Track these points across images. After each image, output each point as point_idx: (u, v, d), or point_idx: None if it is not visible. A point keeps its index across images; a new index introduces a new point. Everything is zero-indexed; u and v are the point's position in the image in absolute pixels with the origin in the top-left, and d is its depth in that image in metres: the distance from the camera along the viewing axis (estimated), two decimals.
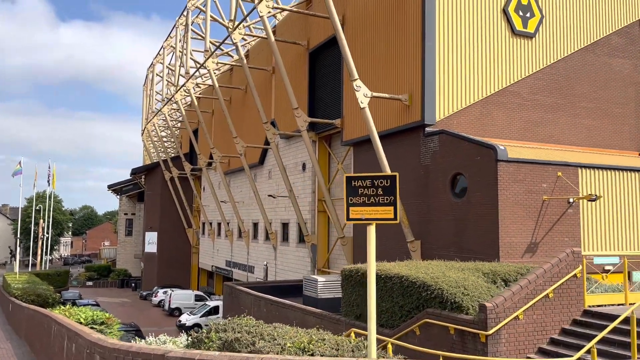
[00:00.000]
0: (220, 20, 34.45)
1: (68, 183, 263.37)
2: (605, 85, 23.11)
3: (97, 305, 34.86)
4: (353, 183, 6.33)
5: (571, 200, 16.97)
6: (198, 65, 39.08)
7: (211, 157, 43.94)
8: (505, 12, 20.84)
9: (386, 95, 19.45)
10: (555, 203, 16.82)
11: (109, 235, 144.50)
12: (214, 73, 32.41)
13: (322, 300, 17.57)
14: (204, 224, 50.69)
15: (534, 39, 21.38)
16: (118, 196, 75.68)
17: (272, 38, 23.45)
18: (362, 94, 18.78)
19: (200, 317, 32.53)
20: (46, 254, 70.32)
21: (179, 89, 39.82)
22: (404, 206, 19.27)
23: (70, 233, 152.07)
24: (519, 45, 21.10)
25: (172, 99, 42.29)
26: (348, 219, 6.44)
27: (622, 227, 17.92)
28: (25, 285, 30.45)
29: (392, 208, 6.09)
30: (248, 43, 37.45)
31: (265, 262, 26.31)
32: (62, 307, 15.28)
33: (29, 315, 16.65)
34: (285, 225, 32.10)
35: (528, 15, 21.23)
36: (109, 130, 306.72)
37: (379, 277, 12.30)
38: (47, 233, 63.07)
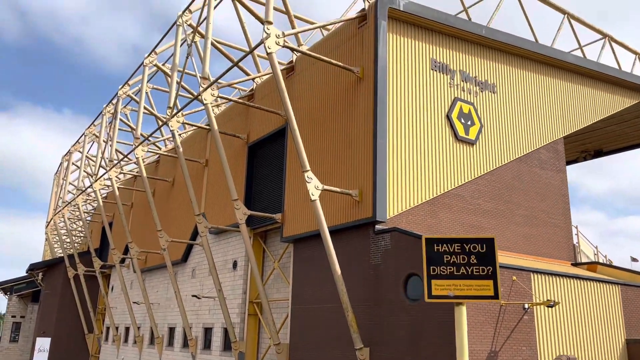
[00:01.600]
0: (152, 111, 33.35)
1: None
2: (538, 196, 24.06)
3: None
4: (436, 247, 5.09)
5: (526, 306, 16.42)
6: (122, 155, 37.03)
7: (125, 253, 40.42)
8: (448, 118, 21.55)
9: (337, 189, 18.71)
10: (511, 309, 16.16)
11: None
12: (142, 161, 30.51)
13: None
14: (108, 328, 45.20)
15: (474, 145, 22.10)
16: (7, 295, 66.94)
17: (215, 126, 22.51)
18: (313, 186, 17.92)
19: None
20: None
21: (99, 178, 37.09)
22: (352, 309, 17.79)
23: None
24: (462, 150, 21.66)
25: (90, 188, 39.23)
26: (430, 296, 5.09)
27: (575, 333, 17.49)
28: None
29: (491, 282, 4.87)
30: (179, 135, 36.26)
31: None
32: None
33: None
34: (207, 331, 28.97)
35: (469, 123, 22.11)
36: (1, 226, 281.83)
37: None
38: None
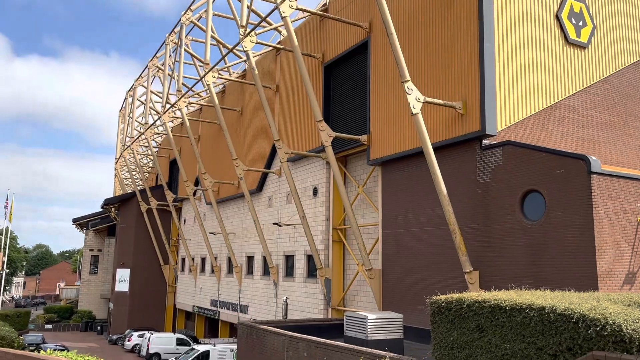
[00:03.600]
0: (217, 38, 31.88)
1: (18, 222, 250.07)
2: None
3: (67, 349, 30.15)
4: None
5: None
6: (192, 84, 36.15)
7: (196, 185, 40.52)
8: (558, 18, 18.95)
9: (440, 101, 16.93)
10: None
11: (65, 276, 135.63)
12: (214, 87, 29.45)
13: (372, 343, 14.37)
14: (183, 259, 46.47)
15: (587, 49, 19.52)
16: (84, 230, 70.27)
17: (295, 40, 20.85)
18: (414, 97, 16.22)
19: None
20: (1, 294, 63.86)
21: (167, 110, 36.59)
22: (460, 231, 16.47)
23: (23, 273, 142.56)
24: (573, 55, 19.17)
25: (159, 120, 38.95)
26: None
27: None
28: None
29: None
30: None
31: (285, 298, 22.85)
32: (48, 352, 11.66)
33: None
34: (288, 259, 28.72)
35: (581, 24, 19.42)
36: (61, 169, 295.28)
37: (498, 309, 9.33)
38: (3, 270, 57.29)
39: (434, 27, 18.69)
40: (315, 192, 26.40)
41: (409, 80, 16.19)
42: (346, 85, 24.62)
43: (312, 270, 26.45)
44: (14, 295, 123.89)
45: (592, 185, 13.52)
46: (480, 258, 16.49)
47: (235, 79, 32.83)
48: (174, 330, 46.37)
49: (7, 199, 65.79)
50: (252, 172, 31.76)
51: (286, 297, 23.02)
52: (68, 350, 30.30)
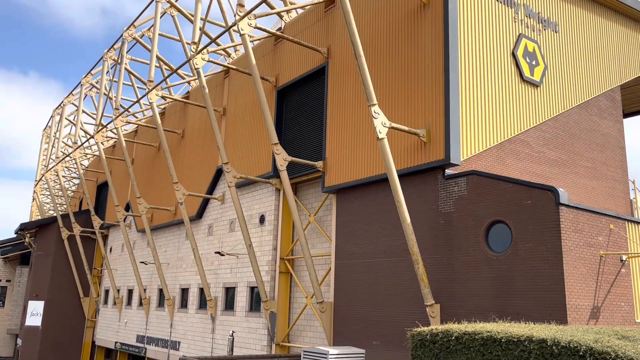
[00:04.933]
0: (158, 61, 30.43)
1: None
2: (598, 146, 22.32)
3: None
4: None
5: (624, 258, 14.71)
6: (128, 104, 34.15)
7: (127, 210, 37.95)
8: (514, 55, 19.43)
9: (405, 127, 16.55)
10: (610, 260, 14.44)
11: None
12: (155, 108, 27.79)
13: None
14: (107, 291, 42.94)
15: (539, 88, 20.10)
16: None
17: (254, 60, 19.99)
18: (381, 122, 15.73)
19: None
20: None
21: (102, 129, 34.22)
22: (423, 262, 15.88)
23: None
24: (528, 92, 19.65)
25: (91, 140, 36.32)
26: None
27: None
28: None
29: None
30: (194, 80, 33.49)
31: (231, 332, 21.05)
32: None
33: None
34: (229, 291, 26.97)
35: (534, 62, 20.03)
36: None
37: (492, 342, 8.60)
38: None
39: (398, 54, 18.53)
40: (262, 220, 25.15)
41: (375, 104, 15.71)
42: (300, 110, 23.95)
43: (255, 303, 24.91)
44: None
45: (560, 217, 13.41)
46: (442, 290, 15.93)
47: (181, 99, 31.30)
48: None
49: None
50: (191, 199, 30.03)
51: (232, 332, 21.35)
52: None
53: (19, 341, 46.60)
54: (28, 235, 51.09)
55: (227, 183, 23.04)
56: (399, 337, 16.93)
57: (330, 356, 13.23)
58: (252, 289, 25.23)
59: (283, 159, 20.09)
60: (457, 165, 16.34)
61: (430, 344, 9.60)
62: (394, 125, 16.15)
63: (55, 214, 47.63)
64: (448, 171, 16.57)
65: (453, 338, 9.21)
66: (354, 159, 19.70)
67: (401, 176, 17.38)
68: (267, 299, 22.85)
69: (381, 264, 18.14)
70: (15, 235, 53.92)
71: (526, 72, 19.67)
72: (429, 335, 9.61)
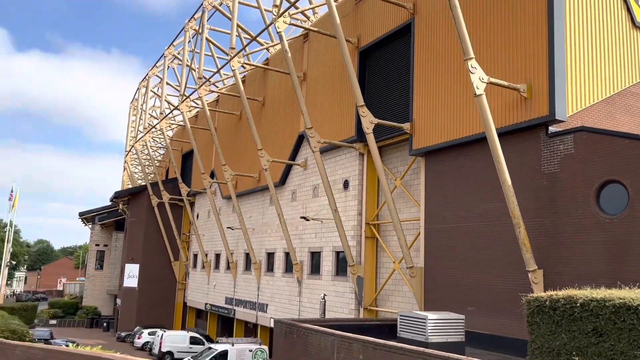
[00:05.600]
0: (238, 28, 30.44)
1: (18, 217, 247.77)
2: None
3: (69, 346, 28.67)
4: None
5: None
6: (209, 74, 34.75)
7: (211, 178, 39.10)
8: (625, 0, 17.50)
9: (504, 82, 15.48)
10: None
11: (66, 272, 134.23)
12: (235, 76, 27.99)
13: (432, 345, 12.89)
14: (196, 255, 45.02)
15: None
16: (89, 225, 68.89)
17: (337, 19, 19.40)
18: (478, 77, 14.76)
19: None
20: (4, 287, 62.48)
21: (186, 99, 35.17)
22: (524, 225, 15.00)
23: (25, 268, 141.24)
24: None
25: (175, 111, 37.52)
26: None
27: None
28: None
29: None
30: (273, 47, 33.43)
31: (322, 295, 21.38)
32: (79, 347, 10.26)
33: (33, 357, 11.30)
34: (314, 255, 27.25)
35: None
36: (61, 165, 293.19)
37: (626, 310, 7.85)
38: (10, 262, 55.92)
39: (495, 3, 17.23)
40: (346, 185, 24.93)
41: (472, 58, 14.74)
42: (384, 70, 23.18)
43: (341, 267, 24.99)
44: (15, 290, 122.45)
45: None
46: (546, 255, 15.01)
47: (262, 65, 31.36)
48: (183, 328, 44.85)
49: (11, 191, 64.39)
50: (273, 166, 30.30)
51: (324, 295, 21.56)
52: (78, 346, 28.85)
53: (118, 301, 50.23)
54: (121, 203, 54.40)
55: (311, 148, 22.93)
56: (496, 303, 16.28)
57: (430, 321, 12.89)
58: (337, 253, 25.29)
59: (369, 121, 19.58)
60: (563, 121, 15.12)
61: (549, 311, 8.96)
62: (492, 80, 15.12)
63: (145, 183, 50.22)
64: (552, 128, 15.37)
65: (578, 305, 8.51)
66: (445, 119, 18.82)
67: (500, 135, 16.36)
68: (354, 264, 22.80)
69: (477, 228, 17.39)
70: (110, 203, 57.61)
71: (638, 18, 17.71)
72: (548, 302, 8.97)
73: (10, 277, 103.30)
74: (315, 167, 28.10)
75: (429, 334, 12.88)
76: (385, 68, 23.12)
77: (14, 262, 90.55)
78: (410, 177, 22.06)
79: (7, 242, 58.34)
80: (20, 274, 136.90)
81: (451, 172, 18.76)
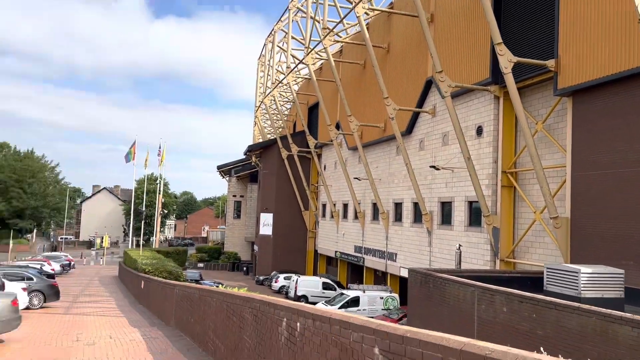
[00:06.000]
0: None
1: (165, 172, 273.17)
2: None
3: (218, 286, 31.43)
4: None
5: None
6: (332, 25, 34.40)
7: (338, 129, 39.40)
8: None
9: None
10: None
11: (208, 220, 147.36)
12: (356, 25, 27.32)
13: (585, 301, 11.86)
14: (324, 205, 46.41)
15: None
16: (226, 178, 74.03)
17: None
18: None
19: (339, 308, 27.88)
20: (155, 235, 70.17)
21: (311, 51, 35.38)
22: None
23: (174, 216, 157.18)
24: None
25: (302, 63, 38.02)
26: None
27: None
28: (152, 261, 27.52)
29: None
30: None
31: (458, 245, 20.99)
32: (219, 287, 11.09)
33: (190, 295, 12.46)
34: (444, 205, 26.52)
35: None
36: (197, 123, 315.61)
37: None
38: (162, 212, 62.31)
39: None
40: (479, 131, 23.57)
41: None
42: (523, 3, 21.05)
43: (474, 218, 24.05)
44: (167, 236, 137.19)
45: None
46: None
47: (388, 9, 30.30)
48: (315, 274, 47.05)
49: (159, 148, 70.95)
50: (399, 115, 29.55)
51: (459, 245, 21.01)
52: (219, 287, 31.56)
53: (256, 247, 53.94)
54: (254, 156, 57.41)
55: (441, 94, 21.87)
56: None
57: (583, 275, 11.84)
58: (470, 203, 24.32)
59: (508, 60, 18.04)
60: None
61: None
62: None
63: (274, 137, 52.31)
64: None
65: None
66: (599, 52, 16.69)
67: None
68: (489, 214, 21.77)
69: (639, 174, 15.47)
70: (244, 157, 61.15)
71: None
72: None
73: (162, 224, 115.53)
74: (444, 113, 26.93)
75: (582, 289, 11.88)
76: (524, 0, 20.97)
77: (165, 211, 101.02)
78: (553, 120, 20.17)
79: (159, 193, 64.83)
80: (170, 222, 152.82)
81: (606, 112, 16.75)
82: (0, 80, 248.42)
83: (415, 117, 29.46)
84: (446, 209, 26.38)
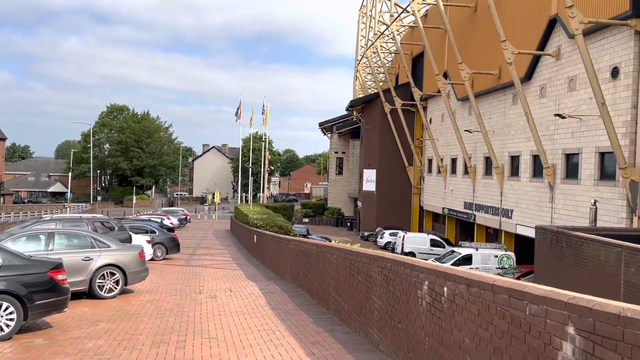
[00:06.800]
0: None
1: (268, 130, 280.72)
2: None
3: (330, 241, 31.63)
4: None
5: None
6: None
7: (445, 79, 37.19)
8: None
9: None
10: None
11: (310, 177, 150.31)
12: None
13: None
14: (430, 160, 44.78)
15: None
16: (328, 134, 74.18)
17: None
18: None
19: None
20: (263, 191, 72.61)
21: None
22: None
23: (278, 173, 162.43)
24: None
25: (406, 11, 36.05)
26: None
27: None
28: (262, 216, 28.20)
29: None
30: None
31: (593, 201, 19.12)
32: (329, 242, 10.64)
33: (307, 251, 12.27)
34: (570, 157, 24.12)
35: None
36: (296, 81, 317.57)
37: None
38: (268, 169, 64.17)
39: None
40: (614, 73, 20.78)
41: None
42: None
43: (605, 171, 21.62)
44: (272, 192, 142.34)
45: None
46: None
47: None
48: (420, 231, 46.03)
49: (263, 106, 72.48)
50: (517, 60, 26.95)
51: (594, 200, 19.03)
52: (331, 242, 31.73)
53: (359, 203, 53.85)
54: (356, 111, 56.61)
55: (571, 32, 19.40)
56: None
57: None
58: (601, 154, 21.83)
59: None
60: None
61: None
62: None
63: (376, 91, 50.94)
64: None
65: None
66: None
67: None
68: (627, 166, 19.35)
69: None
70: (345, 113, 60.58)
71: None
72: None
73: (268, 181, 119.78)
74: (569, 56, 24.17)
75: None
76: None
77: (271, 168, 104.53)
78: None
79: (265, 151, 66.61)
80: (274, 179, 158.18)
81: None
82: (117, 48, 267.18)
83: (535, 61, 26.78)
84: (572, 161, 23.99)
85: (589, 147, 22.43)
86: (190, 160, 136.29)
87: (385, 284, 6.78)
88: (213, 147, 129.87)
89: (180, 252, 24.48)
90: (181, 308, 10.77)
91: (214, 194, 74.99)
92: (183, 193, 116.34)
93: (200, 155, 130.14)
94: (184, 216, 52.66)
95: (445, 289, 5.11)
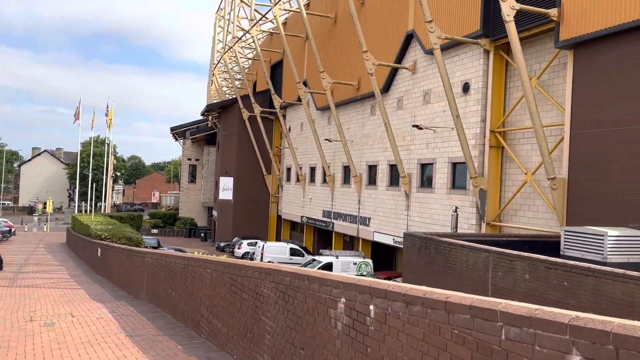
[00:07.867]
0: None
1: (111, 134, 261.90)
2: None
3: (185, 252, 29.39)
4: None
5: None
6: None
7: (305, 86, 37.33)
8: None
9: None
10: None
11: (158, 185, 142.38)
12: None
13: (612, 266, 10.84)
14: (289, 169, 44.57)
15: None
16: (180, 140, 70.68)
17: None
18: None
19: None
20: (107, 200, 66.49)
21: (277, 2, 32.83)
22: None
23: (122, 181, 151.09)
24: None
25: (265, 17, 35.41)
26: None
27: None
28: (107, 227, 25.11)
29: None
30: None
31: (454, 207, 19.80)
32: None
33: (169, 265, 10.55)
34: (425, 167, 25.32)
35: None
36: (142, 85, 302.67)
37: None
38: (113, 174, 58.72)
39: None
40: (466, 88, 22.25)
41: None
42: None
43: (457, 180, 22.99)
44: (116, 202, 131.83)
45: None
46: None
47: None
48: (278, 240, 45.52)
49: (107, 108, 66.53)
50: (375, 72, 27.82)
51: (455, 207, 19.86)
52: (186, 253, 29.48)
53: (214, 213, 51.70)
54: (212, 117, 54.49)
55: (431, 45, 20.29)
56: None
57: (610, 238, 10.79)
58: (453, 164, 23.19)
59: (510, 7, 16.57)
60: None
61: None
62: None
63: (235, 96, 49.53)
64: None
65: None
66: (607, 1, 15.46)
67: None
68: (477, 175, 20.69)
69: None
70: (200, 118, 58.06)
71: None
72: None
73: (112, 189, 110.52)
74: (425, 70, 25.50)
75: (609, 253, 10.82)
76: None
77: (117, 174, 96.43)
78: (548, 76, 19.06)
79: (109, 156, 61.04)
80: (118, 187, 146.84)
81: (612, 65, 15.66)
82: None
83: (393, 74, 27.86)
84: (426, 171, 25.21)
85: (443, 158, 23.72)
86: (16, 165, 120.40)
87: (281, 302, 5.65)
88: (45, 150, 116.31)
89: (4, 270, 20.62)
90: (6, 342, 8.45)
91: (45, 203, 66.76)
92: (6, 202, 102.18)
93: (29, 160, 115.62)
94: (8, 228, 45.76)
95: (371, 307, 4.16)
